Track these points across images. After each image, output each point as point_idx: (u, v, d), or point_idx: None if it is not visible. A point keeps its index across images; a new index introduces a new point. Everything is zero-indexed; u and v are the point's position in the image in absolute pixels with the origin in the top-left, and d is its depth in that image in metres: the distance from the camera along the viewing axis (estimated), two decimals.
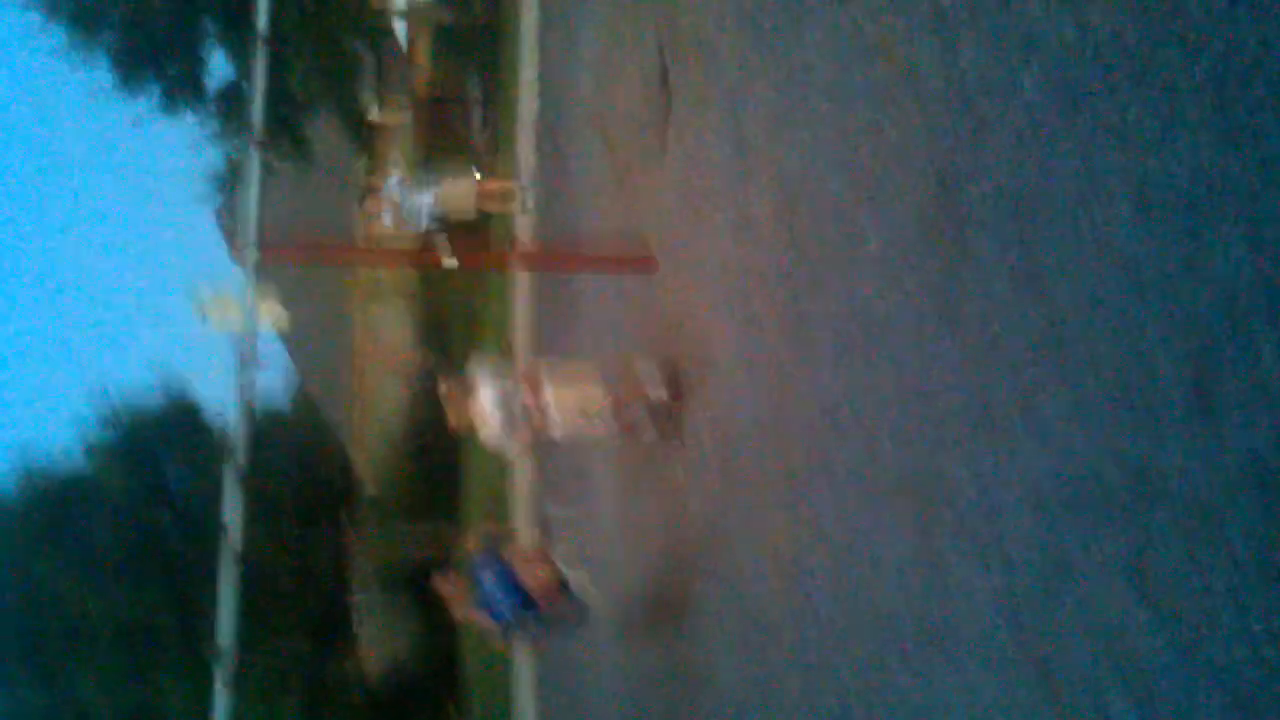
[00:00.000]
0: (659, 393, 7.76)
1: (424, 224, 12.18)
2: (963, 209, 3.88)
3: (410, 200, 12.82)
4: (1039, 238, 3.42)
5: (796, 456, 5.40)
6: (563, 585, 7.60)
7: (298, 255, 10.68)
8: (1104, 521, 3.03)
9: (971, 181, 3.84)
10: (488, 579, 7.30)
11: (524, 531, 8.93)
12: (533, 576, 7.39)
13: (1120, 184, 3.06)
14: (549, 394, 7.68)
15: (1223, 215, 2.70)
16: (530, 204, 14.02)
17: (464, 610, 7.50)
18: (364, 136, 30.52)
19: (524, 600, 7.36)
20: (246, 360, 7.78)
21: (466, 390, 7.58)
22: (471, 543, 7.40)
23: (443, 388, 7.66)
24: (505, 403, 7.52)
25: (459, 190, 13.69)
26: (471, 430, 7.60)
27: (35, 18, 21.63)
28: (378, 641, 34.82)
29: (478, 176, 14.83)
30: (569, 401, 7.70)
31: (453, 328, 33.06)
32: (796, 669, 5.19)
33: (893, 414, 4.38)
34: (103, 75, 23.26)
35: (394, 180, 13.58)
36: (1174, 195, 2.86)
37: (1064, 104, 3.33)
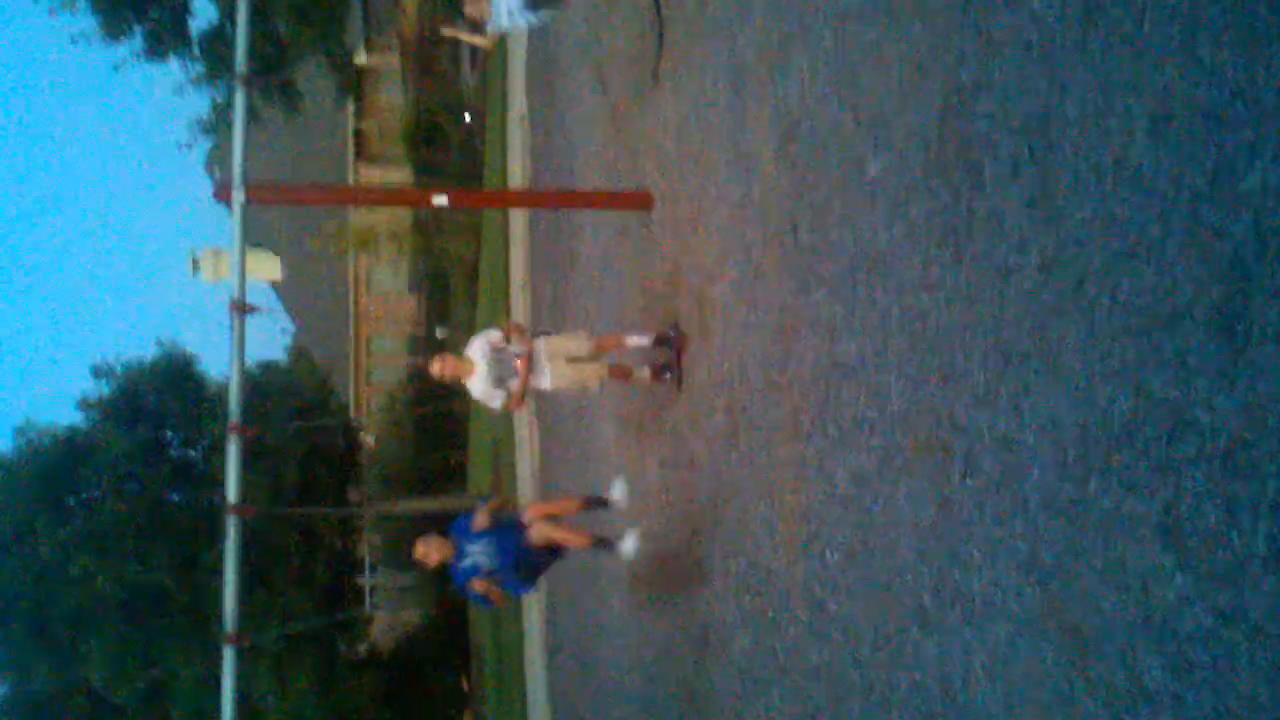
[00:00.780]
0: (652, 340, 7.63)
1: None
2: (970, 131, 3.71)
3: None
4: (1051, 159, 3.25)
5: (802, 404, 5.21)
6: (596, 542, 7.33)
7: (284, 197, 10.45)
8: (1132, 472, 2.85)
9: (979, 101, 3.66)
10: (481, 546, 7.03)
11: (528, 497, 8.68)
12: (545, 538, 7.15)
13: (1137, 98, 2.89)
14: (539, 342, 7.51)
15: (1249, 130, 2.53)
16: None
17: (437, 563, 7.22)
18: (351, 80, 30.07)
19: (515, 561, 7.11)
20: (239, 311, 7.61)
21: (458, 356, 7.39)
22: (483, 518, 7.06)
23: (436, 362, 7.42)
24: (493, 350, 7.33)
25: None
26: (458, 380, 7.39)
27: None
28: (389, 617, 35.06)
29: None
30: (559, 347, 7.52)
31: (450, 280, 32.76)
32: (813, 637, 5.01)
33: (903, 355, 4.19)
34: (85, 20, 22.90)
35: None
36: (1196, 109, 2.68)
37: (1076, 13, 3.16)
